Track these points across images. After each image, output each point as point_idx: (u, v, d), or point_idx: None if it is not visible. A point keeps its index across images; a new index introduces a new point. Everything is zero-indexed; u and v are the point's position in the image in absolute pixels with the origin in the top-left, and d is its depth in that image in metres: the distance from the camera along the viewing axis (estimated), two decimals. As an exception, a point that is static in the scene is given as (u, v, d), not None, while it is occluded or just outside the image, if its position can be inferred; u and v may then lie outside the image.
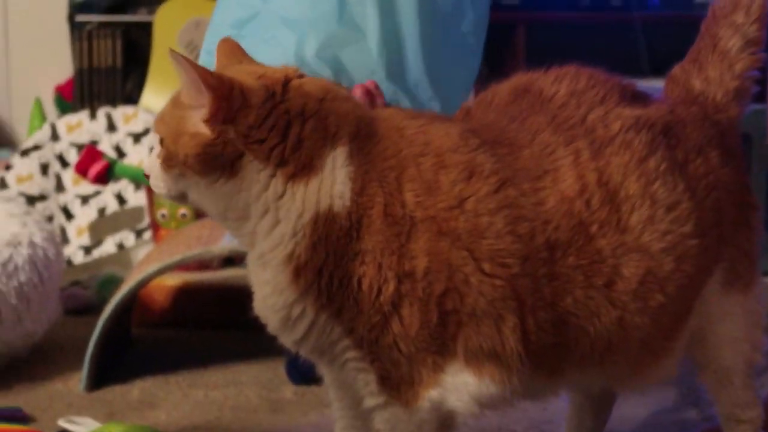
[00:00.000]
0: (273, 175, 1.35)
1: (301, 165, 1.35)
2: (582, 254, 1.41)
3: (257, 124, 1.34)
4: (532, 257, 1.39)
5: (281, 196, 1.35)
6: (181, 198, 1.39)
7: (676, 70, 1.63)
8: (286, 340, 1.41)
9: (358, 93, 1.64)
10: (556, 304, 1.40)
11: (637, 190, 1.44)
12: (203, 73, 1.32)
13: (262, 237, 1.36)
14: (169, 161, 1.36)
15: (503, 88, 1.53)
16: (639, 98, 1.53)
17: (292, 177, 1.35)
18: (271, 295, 1.37)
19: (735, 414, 1.62)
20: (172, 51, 1.33)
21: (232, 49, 1.45)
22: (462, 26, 1.87)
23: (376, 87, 1.68)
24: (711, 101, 1.59)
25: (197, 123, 1.34)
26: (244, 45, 1.70)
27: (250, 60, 1.44)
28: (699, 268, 1.48)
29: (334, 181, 1.35)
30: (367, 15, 1.76)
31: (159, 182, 1.39)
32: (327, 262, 1.35)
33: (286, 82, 1.38)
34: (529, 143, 1.44)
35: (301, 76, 1.41)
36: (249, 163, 1.35)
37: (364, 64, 1.74)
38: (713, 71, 1.60)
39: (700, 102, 1.58)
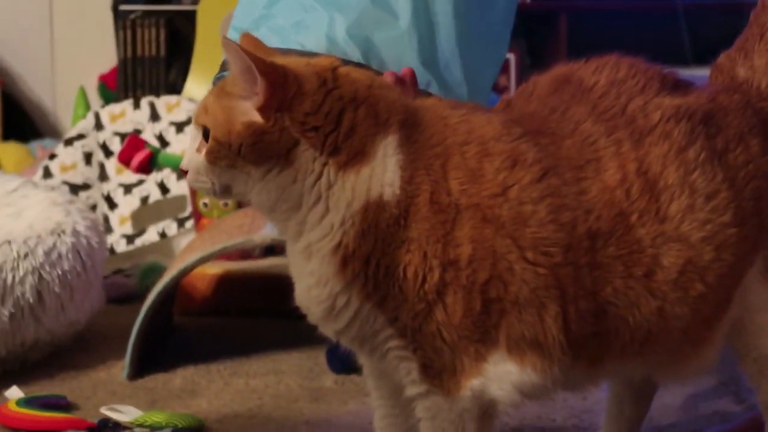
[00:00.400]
0: (326, 164, 1.35)
1: (353, 153, 1.35)
2: (622, 244, 1.41)
3: (313, 110, 1.34)
4: (574, 246, 1.39)
5: (332, 185, 1.35)
6: (225, 192, 1.38)
7: (722, 58, 1.62)
8: (328, 331, 1.41)
9: (388, 80, 1.64)
10: (596, 294, 1.40)
11: (676, 180, 1.44)
12: (257, 61, 1.32)
13: (310, 227, 1.36)
14: (216, 153, 1.35)
15: (544, 79, 1.53)
16: (680, 86, 1.53)
17: (344, 165, 1.35)
18: (315, 286, 1.37)
19: (776, 404, 1.62)
20: (224, 38, 1.33)
21: (255, 43, 1.44)
22: (493, 14, 1.87)
23: (413, 75, 1.67)
24: (755, 89, 1.58)
25: (249, 111, 1.34)
26: (274, 24, 1.70)
27: (275, 53, 1.43)
28: (739, 257, 1.47)
29: (385, 169, 1.35)
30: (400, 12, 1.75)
31: (201, 176, 1.38)
32: (374, 250, 1.35)
33: (334, 68, 1.38)
34: (571, 133, 1.44)
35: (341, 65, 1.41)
36: (304, 151, 1.35)
37: (395, 46, 1.73)
38: (759, 59, 1.59)
39: (743, 90, 1.57)
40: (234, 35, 1.78)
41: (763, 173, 1.51)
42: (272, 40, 1.64)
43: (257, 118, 1.34)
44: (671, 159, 1.44)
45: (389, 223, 1.35)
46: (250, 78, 1.33)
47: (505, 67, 4.19)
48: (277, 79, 1.33)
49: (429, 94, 1.69)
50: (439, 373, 1.38)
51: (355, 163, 1.35)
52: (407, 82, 1.65)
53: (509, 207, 1.37)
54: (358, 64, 1.65)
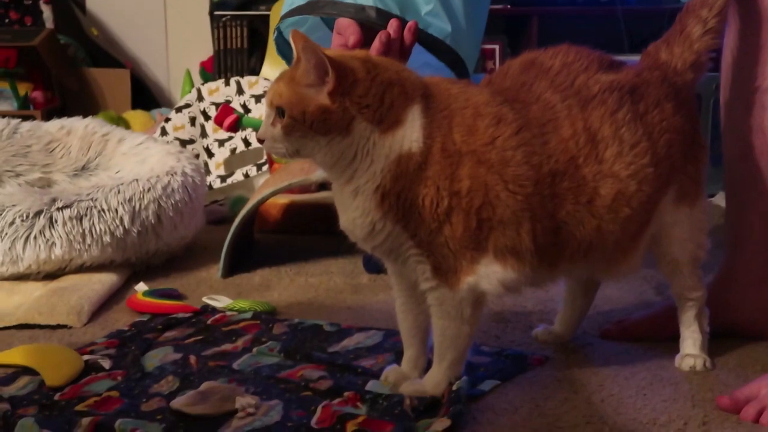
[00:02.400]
0: (373, 131, 1.35)
1: (392, 121, 1.35)
2: (572, 179, 1.42)
3: (365, 93, 1.34)
4: (541, 181, 1.40)
5: (376, 144, 1.35)
6: (295, 154, 1.37)
7: (650, 47, 1.62)
8: (366, 246, 1.42)
9: (394, 25, 1.62)
10: (554, 216, 1.41)
11: (609, 134, 1.45)
12: (329, 58, 1.31)
13: (360, 174, 1.36)
14: (292, 127, 1.34)
15: (515, 62, 1.53)
16: (614, 66, 1.53)
17: (386, 130, 1.35)
18: (359, 216, 1.38)
19: (684, 294, 1.62)
20: (305, 40, 1.31)
21: (305, 39, 1.40)
22: None
23: (413, 30, 1.64)
24: (672, 68, 1.57)
25: (318, 96, 1.33)
26: None
27: (323, 48, 1.40)
28: (655, 188, 1.49)
29: (412, 130, 1.35)
30: None
31: (277, 144, 1.36)
32: (404, 188, 1.35)
33: (371, 59, 1.38)
34: (536, 101, 1.45)
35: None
36: (359, 123, 1.34)
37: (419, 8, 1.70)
38: (677, 48, 1.58)
39: (662, 68, 1.57)
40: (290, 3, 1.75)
41: (674, 128, 1.52)
42: None
43: (326, 101, 1.33)
44: (606, 119, 1.45)
45: (414, 168, 1.35)
46: (321, 71, 1.32)
47: (491, 55, 4.17)
48: (341, 71, 1.32)
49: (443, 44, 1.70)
50: (445, 273, 1.39)
51: (392, 127, 1.35)
52: (404, 35, 1.63)
53: (496, 153, 1.37)
54: (396, 16, 1.64)
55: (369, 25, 1.63)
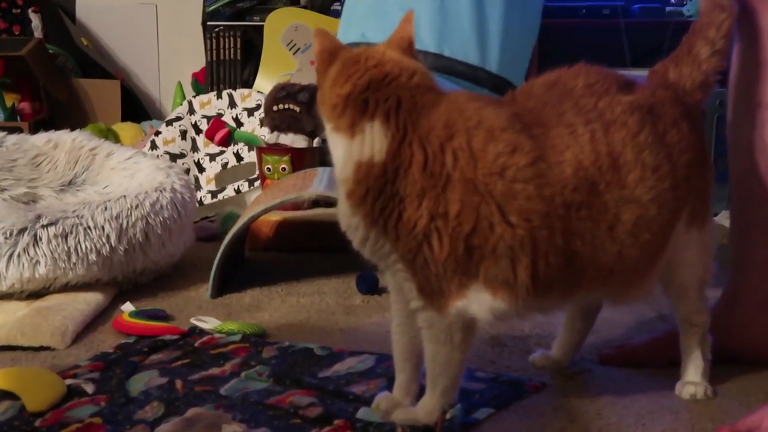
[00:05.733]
0: (330, 129, 1.39)
1: (345, 126, 1.37)
2: (593, 207, 1.41)
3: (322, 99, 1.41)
4: (551, 214, 1.38)
5: (336, 144, 1.38)
6: None
7: (658, 65, 1.62)
8: (362, 250, 1.42)
9: None
10: (566, 249, 1.40)
11: (632, 157, 1.45)
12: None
13: (337, 169, 1.39)
14: None
15: (539, 81, 1.52)
16: (628, 85, 1.53)
17: (338, 131, 1.37)
18: (340, 206, 1.40)
19: (690, 319, 1.61)
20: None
21: (402, 36, 1.45)
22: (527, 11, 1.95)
23: None
24: (681, 88, 1.58)
25: None
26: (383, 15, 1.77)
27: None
28: (673, 212, 1.49)
29: (372, 141, 1.35)
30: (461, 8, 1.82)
31: None
32: (368, 194, 1.35)
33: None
34: (558, 124, 1.44)
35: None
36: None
37: (460, 38, 1.78)
38: (686, 68, 1.59)
39: (673, 88, 1.57)
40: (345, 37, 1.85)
41: (692, 147, 1.52)
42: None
43: None
44: (628, 142, 1.45)
45: (377, 178, 1.35)
46: None
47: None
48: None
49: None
50: (431, 295, 1.38)
51: (347, 131, 1.37)
52: None
53: (503, 184, 1.36)
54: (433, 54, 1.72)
55: None
